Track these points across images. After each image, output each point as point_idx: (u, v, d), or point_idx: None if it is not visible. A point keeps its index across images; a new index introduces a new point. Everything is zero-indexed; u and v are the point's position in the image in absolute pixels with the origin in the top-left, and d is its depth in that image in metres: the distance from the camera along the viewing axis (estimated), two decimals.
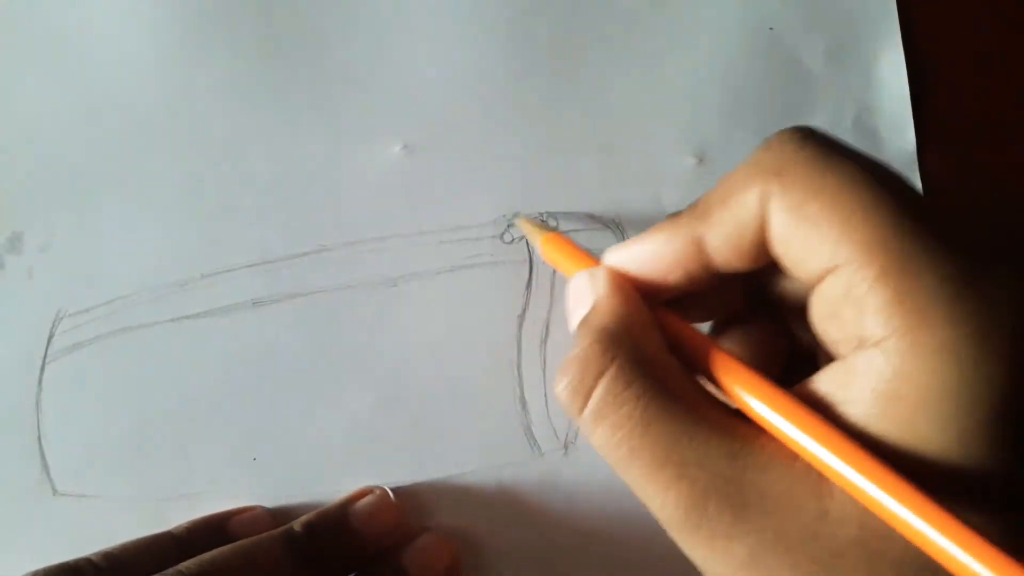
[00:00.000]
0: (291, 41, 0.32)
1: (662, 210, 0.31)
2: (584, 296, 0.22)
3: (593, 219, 0.32)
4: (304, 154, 0.32)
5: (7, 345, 0.31)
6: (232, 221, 0.31)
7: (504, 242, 0.31)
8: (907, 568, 0.17)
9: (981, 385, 0.17)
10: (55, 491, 0.30)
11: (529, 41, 0.32)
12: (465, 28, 0.32)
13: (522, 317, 0.31)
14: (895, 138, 0.32)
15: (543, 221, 0.31)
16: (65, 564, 0.26)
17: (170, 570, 0.25)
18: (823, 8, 0.33)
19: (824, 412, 0.19)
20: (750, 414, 0.20)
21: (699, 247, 0.21)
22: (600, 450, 0.20)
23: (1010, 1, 0.34)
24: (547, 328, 0.31)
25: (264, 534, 0.27)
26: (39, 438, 0.30)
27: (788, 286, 0.23)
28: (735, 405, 0.20)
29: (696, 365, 0.21)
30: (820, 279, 0.19)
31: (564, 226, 0.31)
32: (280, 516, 0.30)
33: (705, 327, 0.25)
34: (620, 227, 0.31)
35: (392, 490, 0.30)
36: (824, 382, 0.19)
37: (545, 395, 0.31)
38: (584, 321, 0.22)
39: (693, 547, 0.19)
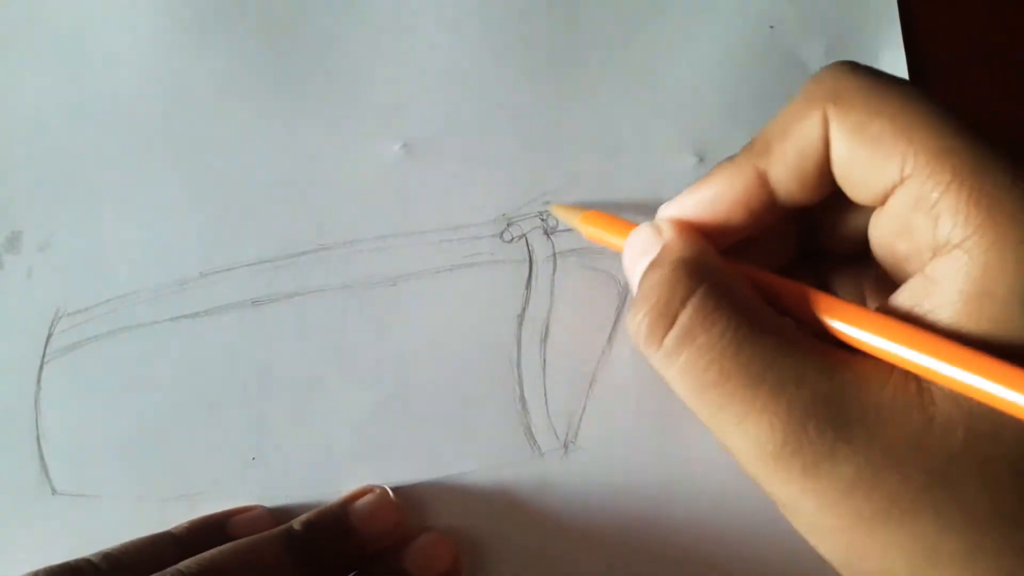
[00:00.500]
0: (291, 41, 0.32)
1: None
2: (648, 245, 0.22)
3: None
4: (304, 153, 0.31)
5: (6, 344, 0.30)
6: (232, 221, 0.31)
7: (504, 241, 0.31)
8: (1021, 463, 0.17)
9: None
10: (54, 491, 0.30)
11: (529, 41, 0.32)
12: (465, 28, 0.32)
13: (522, 316, 0.31)
14: None
15: (543, 220, 0.31)
16: (64, 564, 0.26)
17: (169, 569, 0.25)
18: (823, 7, 0.33)
19: (912, 323, 0.18)
20: (840, 336, 0.19)
21: (763, 182, 0.21)
22: (682, 379, 0.20)
23: (1010, 1, 0.34)
24: (547, 327, 0.31)
25: (264, 533, 0.27)
26: (38, 438, 0.30)
27: (847, 223, 0.23)
28: (822, 331, 0.20)
29: (773, 301, 0.21)
30: (886, 196, 0.19)
31: (564, 225, 0.31)
32: (280, 516, 0.30)
33: None
34: None
35: (392, 490, 0.30)
36: (905, 296, 0.19)
37: (545, 395, 0.31)
38: (657, 259, 0.21)
39: (787, 480, 0.18)
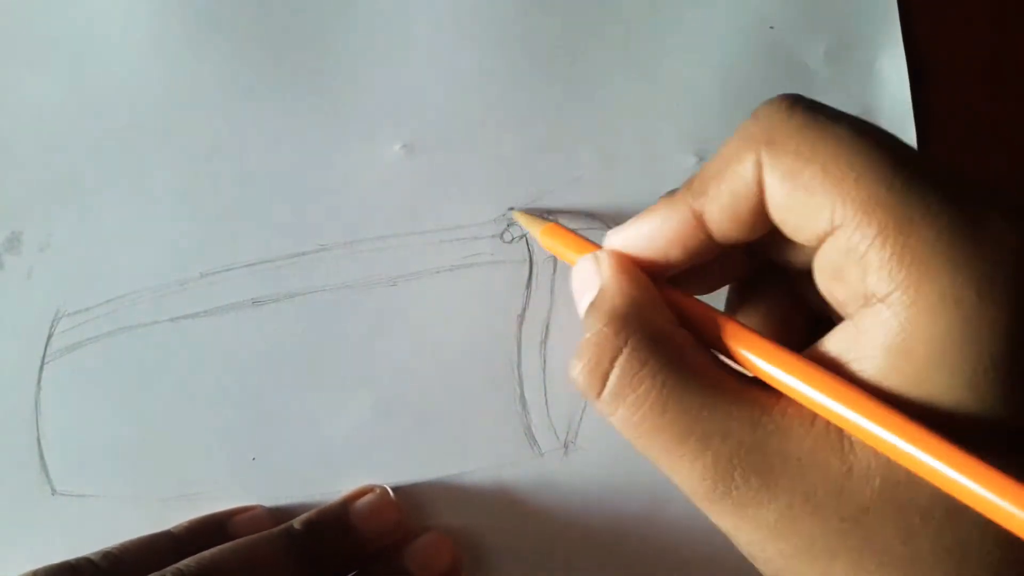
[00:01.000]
0: (291, 41, 0.32)
1: None
2: (590, 280, 0.22)
3: (593, 219, 0.32)
4: (304, 153, 0.31)
5: (6, 345, 0.30)
6: (232, 221, 0.31)
7: (504, 241, 0.31)
8: (935, 513, 0.18)
9: (985, 330, 0.17)
10: (54, 491, 0.30)
11: (529, 41, 0.32)
12: (465, 28, 0.32)
13: (522, 317, 0.31)
14: None
15: (541, 216, 0.31)
16: (64, 563, 0.26)
17: (169, 568, 0.25)
18: (823, 8, 0.33)
19: (837, 372, 0.19)
20: (766, 379, 0.20)
21: (698, 221, 0.21)
22: (621, 431, 0.21)
23: (1010, 1, 0.34)
24: (547, 328, 0.31)
25: (264, 532, 0.27)
26: (38, 438, 0.30)
27: (793, 250, 0.23)
28: (750, 373, 0.20)
29: (707, 338, 0.21)
30: (821, 242, 0.19)
31: (564, 225, 0.31)
32: (280, 516, 0.30)
33: (712, 300, 0.25)
34: None
35: (392, 490, 0.30)
36: (834, 342, 0.19)
37: (545, 395, 0.31)
38: (593, 305, 0.22)
39: (721, 517, 0.20)
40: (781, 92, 0.32)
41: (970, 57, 0.33)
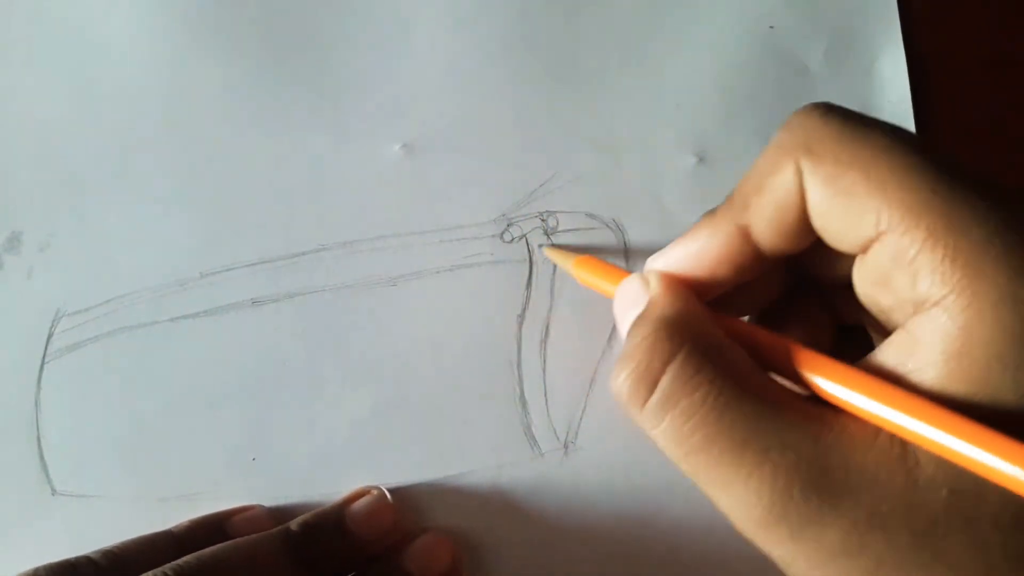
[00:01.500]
0: (291, 41, 0.32)
1: (662, 210, 0.31)
2: (637, 297, 0.22)
3: (593, 219, 0.32)
4: (304, 153, 0.31)
5: (6, 345, 0.30)
6: (232, 221, 0.31)
7: (504, 241, 0.31)
8: (1005, 522, 0.17)
9: None
10: (54, 491, 0.30)
11: (529, 41, 0.32)
12: (465, 28, 0.32)
13: (522, 317, 0.31)
14: None
15: (543, 220, 0.31)
16: (65, 561, 0.26)
17: (168, 566, 0.25)
18: (823, 8, 0.33)
19: (896, 383, 0.18)
20: (825, 396, 0.19)
21: (744, 236, 0.21)
22: (666, 442, 0.19)
23: (1011, 1, 0.34)
24: (547, 328, 0.31)
25: (262, 533, 0.27)
26: (38, 438, 0.30)
27: (830, 263, 0.22)
28: (805, 391, 0.20)
29: (759, 357, 0.20)
30: (865, 248, 0.19)
31: (564, 225, 0.31)
32: (279, 516, 0.29)
33: None
34: (620, 227, 0.31)
35: (392, 490, 0.30)
36: (889, 354, 0.19)
37: (545, 395, 0.31)
38: (642, 317, 0.21)
39: (777, 543, 0.18)
40: (781, 92, 0.32)
41: (970, 57, 0.33)
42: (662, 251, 0.22)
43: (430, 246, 0.31)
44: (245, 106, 0.32)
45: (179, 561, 0.25)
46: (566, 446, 0.31)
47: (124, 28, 0.32)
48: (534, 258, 0.31)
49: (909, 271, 0.18)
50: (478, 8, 0.32)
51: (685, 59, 0.32)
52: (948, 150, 0.34)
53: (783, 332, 0.23)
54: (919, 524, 0.17)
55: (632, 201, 0.32)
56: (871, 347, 0.20)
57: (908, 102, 0.32)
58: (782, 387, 0.20)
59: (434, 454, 0.30)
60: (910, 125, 0.32)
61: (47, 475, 0.30)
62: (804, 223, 0.20)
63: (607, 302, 0.31)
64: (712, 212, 0.21)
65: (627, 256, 0.31)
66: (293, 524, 0.28)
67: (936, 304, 0.18)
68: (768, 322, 0.24)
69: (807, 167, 0.19)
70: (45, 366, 0.30)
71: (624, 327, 0.22)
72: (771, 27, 0.33)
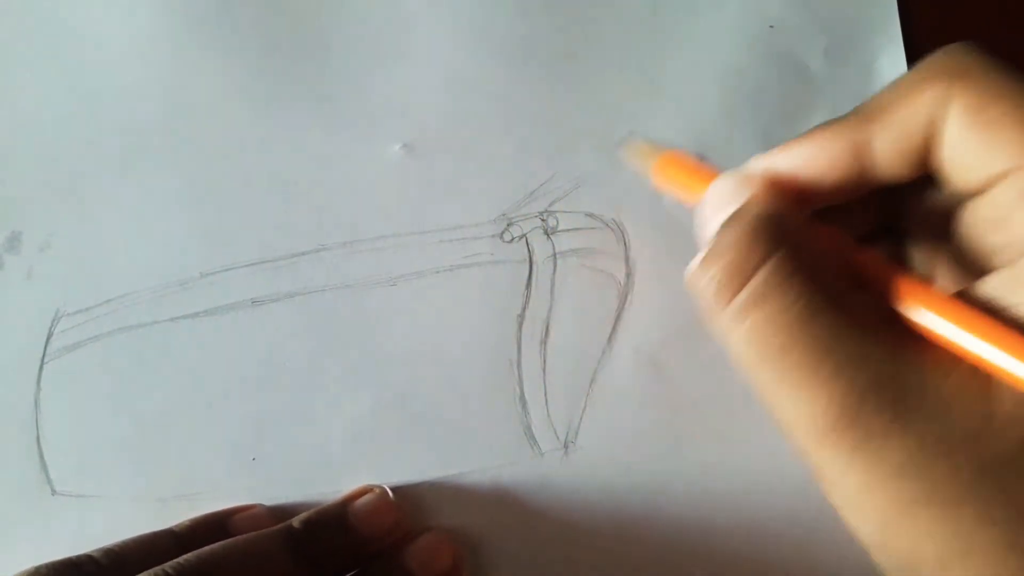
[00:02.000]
0: (291, 41, 0.32)
1: (662, 210, 0.31)
2: (734, 195, 0.21)
3: (593, 219, 0.32)
4: (304, 153, 0.31)
5: (6, 345, 0.30)
6: (232, 221, 0.31)
7: (504, 241, 0.31)
8: None
9: None
10: (54, 491, 0.30)
11: (529, 41, 0.32)
12: (465, 28, 0.32)
13: (522, 317, 0.31)
14: None
15: (543, 220, 0.31)
16: (66, 559, 0.26)
17: (169, 564, 0.25)
18: (823, 8, 0.33)
19: (992, 315, 0.18)
20: (913, 317, 0.19)
21: (862, 150, 0.20)
22: (743, 344, 0.19)
23: (1011, 1, 0.34)
24: (547, 328, 0.31)
25: (263, 530, 0.27)
26: (38, 438, 0.30)
27: (925, 208, 0.22)
28: (895, 311, 0.20)
29: (853, 272, 0.20)
30: (990, 184, 0.19)
31: (564, 225, 0.31)
32: (280, 515, 0.29)
33: None
34: (620, 227, 0.31)
35: (392, 490, 0.30)
36: (990, 287, 0.19)
37: (545, 395, 0.31)
38: (739, 213, 0.20)
39: (836, 456, 0.18)
40: (781, 92, 0.32)
41: None
42: (772, 151, 0.22)
43: (430, 246, 0.31)
44: (245, 106, 0.32)
45: (180, 559, 0.25)
46: (566, 446, 0.31)
47: (124, 28, 0.32)
48: (534, 258, 0.31)
49: None
50: (478, 8, 0.32)
51: (685, 59, 0.32)
52: None
53: None
54: (987, 458, 0.17)
55: (632, 201, 0.32)
56: None
57: None
58: (869, 303, 0.20)
59: (434, 454, 0.30)
60: None
61: (47, 475, 0.30)
62: (925, 150, 0.20)
63: (607, 302, 0.31)
64: (827, 124, 0.21)
65: (627, 256, 0.31)
66: (295, 521, 0.28)
67: None
68: None
69: (957, 90, 0.19)
70: (45, 366, 0.30)
71: (713, 225, 0.21)
72: (771, 27, 0.33)
